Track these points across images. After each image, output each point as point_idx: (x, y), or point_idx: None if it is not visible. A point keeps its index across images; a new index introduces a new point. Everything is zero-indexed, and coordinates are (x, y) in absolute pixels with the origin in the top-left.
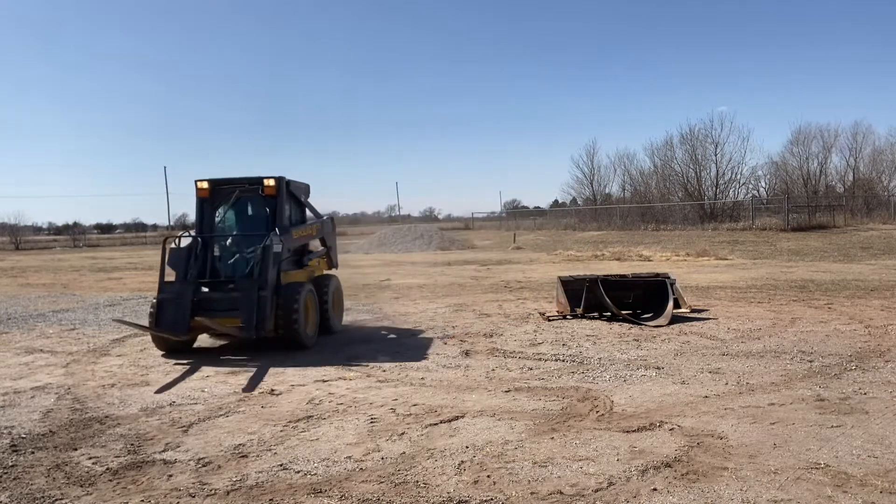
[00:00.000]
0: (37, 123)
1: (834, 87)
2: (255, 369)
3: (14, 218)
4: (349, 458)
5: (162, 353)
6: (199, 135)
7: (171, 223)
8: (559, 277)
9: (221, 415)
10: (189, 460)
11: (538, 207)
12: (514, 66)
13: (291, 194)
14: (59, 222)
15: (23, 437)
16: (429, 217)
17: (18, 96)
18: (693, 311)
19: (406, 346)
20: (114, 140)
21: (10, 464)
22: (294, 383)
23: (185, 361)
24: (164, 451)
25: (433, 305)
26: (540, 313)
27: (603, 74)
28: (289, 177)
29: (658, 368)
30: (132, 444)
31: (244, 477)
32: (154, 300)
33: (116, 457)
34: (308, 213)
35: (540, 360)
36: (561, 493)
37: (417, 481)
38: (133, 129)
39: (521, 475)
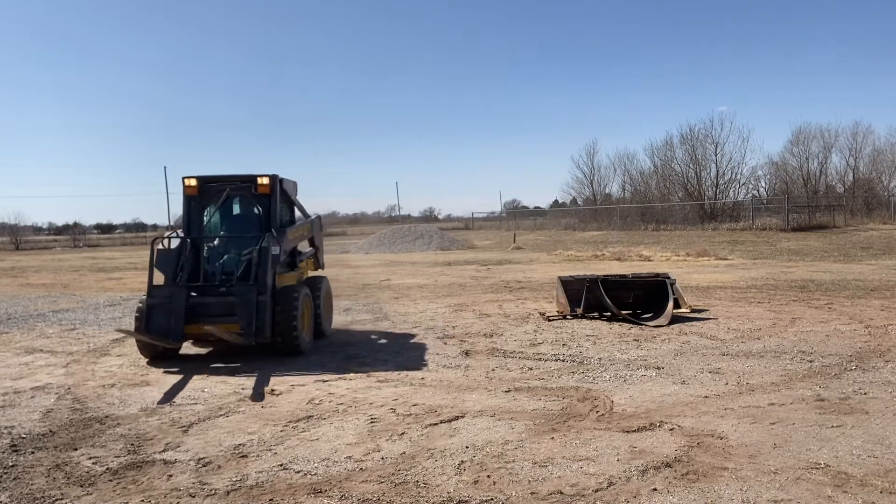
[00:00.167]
0: (37, 123)
1: (834, 87)
2: (254, 370)
3: (14, 218)
4: (349, 458)
5: (147, 360)
6: (198, 134)
7: (171, 223)
8: (559, 277)
9: (221, 415)
10: (189, 460)
11: (538, 207)
12: (514, 66)
13: (284, 193)
14: (59, 222)
15: (23, 437)
16: (429, 217)
17: (18, 96)
18: (693, 311)
19: (406, 346)
20: (114, 140)
21: (10, 464)
22: (294, 383)
23: (177, 368)
24: (164, 451)
25: (433, 305)
26: (540, 313)
27: (603, 74)
28: (280, 175)
29: (658, 368)
30: (132, 444)
31: (244, 477)
32: (140, 305)
33: (116, 457)
34: (296, 212)
35: (540, 360)
36: (561, 493)
37: (417, 481)
38: (133, 129)
39: (521, 475)
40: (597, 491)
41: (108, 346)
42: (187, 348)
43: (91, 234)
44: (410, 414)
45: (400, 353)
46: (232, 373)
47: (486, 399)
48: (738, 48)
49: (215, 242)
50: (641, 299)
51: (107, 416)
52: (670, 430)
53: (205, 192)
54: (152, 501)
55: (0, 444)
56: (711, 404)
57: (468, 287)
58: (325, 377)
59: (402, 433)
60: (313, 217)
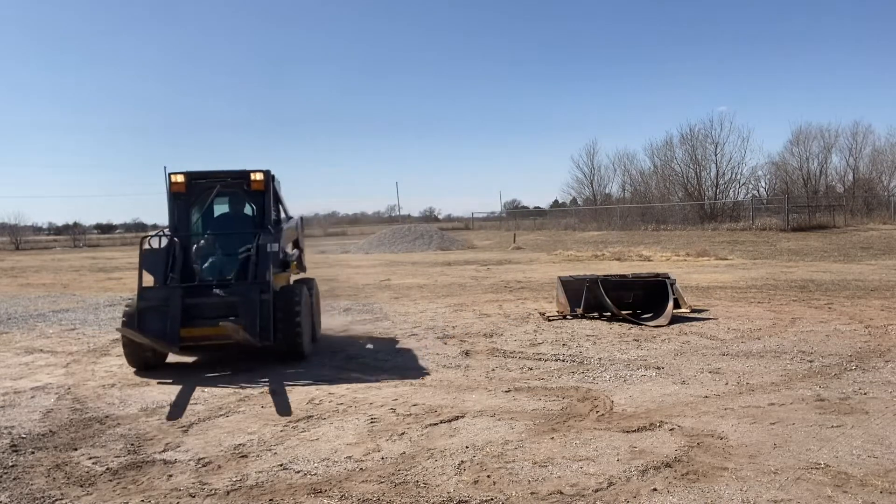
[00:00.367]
0: (37, 124)
1: (834, 87)
2: (256, 374)
3: (14, 218)
4: (349, 458)
5: (134, 370)
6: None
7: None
8: (559, 277)
9: (221, 415)
10: (189, 460)
11: (538, 207)
12: (514, 66)
13: (275, 190)
14: (59, 222)
15: (23, 437)
16: (429, 217)
17: (18, 97)
18: (693, 311)
19: (406, 346)
20: (114, 140)
21: (10, 464)
22: (294, 383)
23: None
24: (164, 451)
25: (433, 305)
26: (540, 313)
27: (603, 74)
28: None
29: (658, 368)
30: (132, 444)
31: (244, 477)
32: (128, 308)
33: (116, 457)
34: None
35: (540, 360)
36: (561, 493)
37: (417, 481)
38: (133, 129)
39: (521, 475)
40: (597, 491)
41: (108, 346)
42: (172, 357)
43: (91, 234)
44: (410, 414)
45: (400, 353)
46: (229, 381)
47: (486, 399)
48: (738, 48)
49: (203, 242)
50: (641, 299)
51: (107, 416)
52: (670, 430)
53: (193, 189)
54: (152, 501)
55: (0, 444)
56: (711, 404)
57: (468, 287)
58: (324, 377)
59: (402, 433)
60: (296, 218)
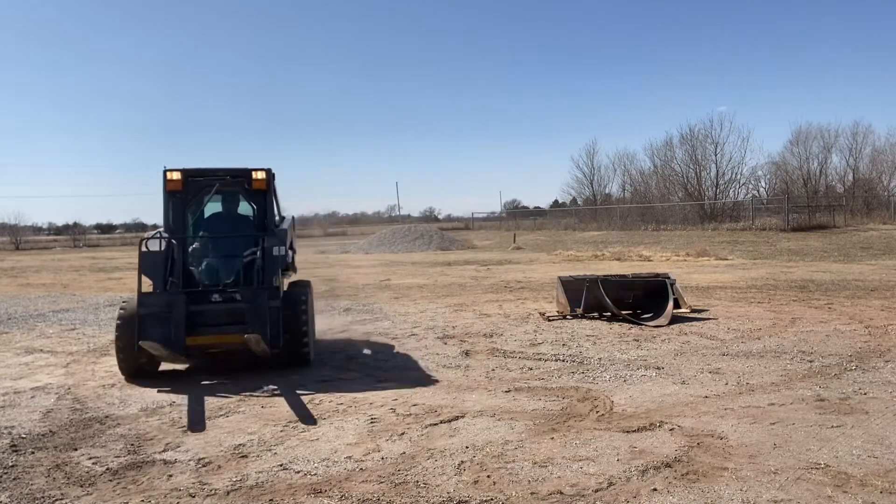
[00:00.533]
0: (36, 123)
1: (834, 87)
2: (253, 376)
3: (14, 218)
4: (349, 458)
5: (125, 378)
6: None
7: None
8: (559, 277)
9: (221, 415)
10: (189, 460)
11: (538, 207)
12: (514, 66)
13: (275, 189)
14: (59, 222)
15: (23, 437)
16: (429, 217)
17: (18, 96)
18: (693, 311)
19: (406, 346)
20: (114, 140)
21: (10, 464)
22: (294, 384)
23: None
24: (164, 451)
25: (433, 305)
26: (540, 313)
27: (603, 74)
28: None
29: (658, 368)
30: (132, 444)
31: (244, 477)
32: (122, 311)
33: (116, 457)
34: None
35: (540, 360)
36: (561, 493)
37: (417, 481)
38: (133, 129)
39: (521, 475)
40: (597, 491)
41: (108, 346)
42: (163, 365)
43: (91, 234)
44: (410, 414)
45: (399, 352)
46: (233, 384)
47: (486, 399)
48: (738, 48)
49: (201, 243)
50: (641, 299)
51: (107, 416)
52: (670, 430)
53: (189, 188)
54: (152, 501)
55: (0, 444)
56: (711, 404)
57: (468, 287)
58: (324, 377)
59: (402, 433)
60: (289, 218)
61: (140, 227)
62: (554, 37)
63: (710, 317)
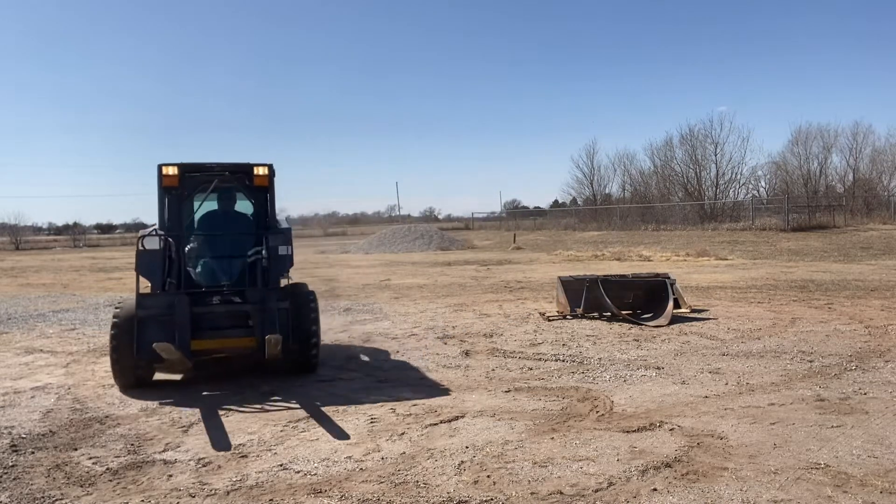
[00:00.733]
0: (36, 123)
1: (834, 87)
2: (254, 379)
3: (14, 218)
4: (349, 458)
5: (120, 389)
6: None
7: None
8: (559, 277)
9: (221, 415)
10: (189, 460)
11: (538, 207)
12: (514, 66)
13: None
14: (59, 222)
15: (23, 437)
16: (429, 217)
17: (18, 96)
18: (693, 311)
19: (406, 346)
20: (114, 140)
21: (10, 464)
22: (294, 384)
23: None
24: (164, 451)
25: (433, 305)
26: (540, 313)
27: (603, 74)
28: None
29: (658, 368)
30: (132, 444)
31: (244, 477)
32: (118, 311)
33: (116, 457)
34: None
35: (540, 360)
36: (561, 493)
37: (417, 481)
38: (133, 129)
39: (521, 475)
40: (597, 491)
41: (108, 346)
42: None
43: (91, 234)
44: (410, 414)
45: (399, 352)
46: (232, 376)
47: (486, 399)
48: (738, 48)
49: (200, 242)
50: (641, 299)
51: (107, 416)
52: (670, 430)
53: (186, 183)
54: (152, 501)
55: (0, 444)
56: (711, 404)
57: (468, 287)
58: (324, 377)
59: (402, 433)
60: (283, 216)
61: (140, 227)
62: (554, 37)
63: (710, 317)
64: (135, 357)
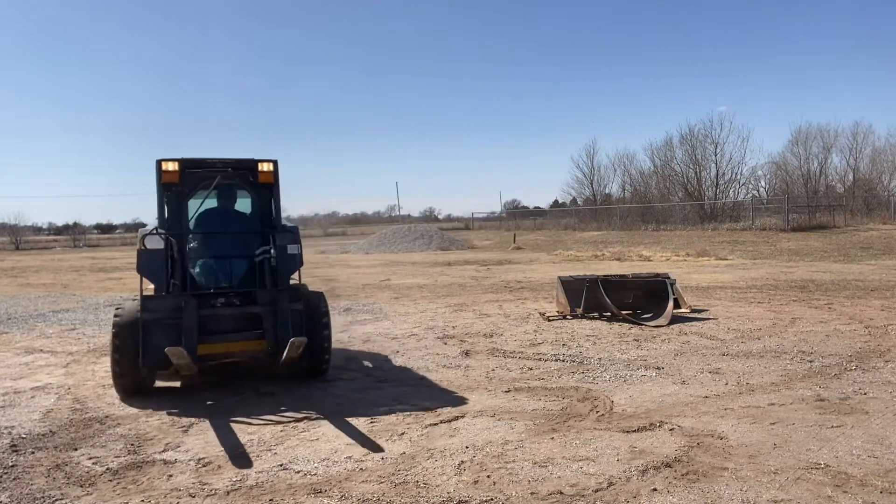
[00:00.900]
0: (36, 123)
1: (834, 87)
2: (253, 381)
3: (14, 218)
4: (349, 458)
5: (121, 398)
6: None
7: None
8: (559, 277)
9: (221, 415)
10: (189, 460)
11: (538, 207)
12: (514, 66)
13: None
14: (59, 222)
15: (23, 437)
16: (429, 217)
17: (18, 96)
18: (693, 311)
19: (406, 346)
20: (114, 140)
21: (10, 464)
22: (294, 384)
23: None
24: (164, 451)
25: (433, 305)
26: (540, 313)
27: (603, 74)
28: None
29: (658, 368)
30: (132, 444)
31: (244, 477)
32: (119, 312)
33: (116, 457)
34: None
35: (540, 360)
36: (561, 493)
37: (417, 481)
38: (133, 129)
39: (521, 475)
40: (597, 491)
41: (108, 346)
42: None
43: (91, 234)
44: (410, 414)
45: (400, 352)
46: (233, 376)
47: (486, 399)
48: (738, 48)
49: (202, 241)
50: (641, 299)
51: (107, 416)
52: (670, 430)
53: (187, 180)
54: (152, 501)
55: (0, 444)
56: (711, 404)
57: (468, 287)
58: (324, 377)
59: (402, 433)
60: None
61: (140, 227)
62: (554, 37)
63: (710, 317)
64: (141, 363)
